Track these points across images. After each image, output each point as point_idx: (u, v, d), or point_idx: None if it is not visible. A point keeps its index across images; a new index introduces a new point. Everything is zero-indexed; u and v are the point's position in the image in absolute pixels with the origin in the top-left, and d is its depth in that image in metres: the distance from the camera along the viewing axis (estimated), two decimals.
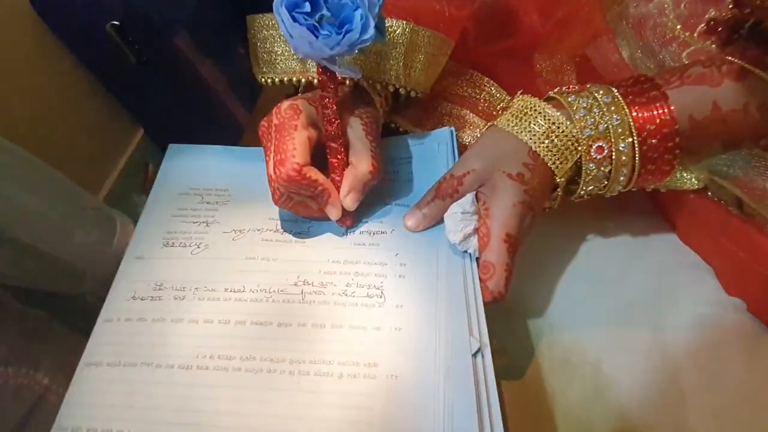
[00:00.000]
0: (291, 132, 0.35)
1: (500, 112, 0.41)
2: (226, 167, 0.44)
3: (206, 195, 0.43)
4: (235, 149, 0.46)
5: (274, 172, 0.35)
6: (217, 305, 0.35)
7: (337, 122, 0.36)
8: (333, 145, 0.37)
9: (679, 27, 0.42)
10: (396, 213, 0.40)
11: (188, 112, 0.60)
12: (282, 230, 0.40)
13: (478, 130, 0.48)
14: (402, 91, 0.42)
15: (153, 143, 0.63)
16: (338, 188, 0.38)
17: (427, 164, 0.43)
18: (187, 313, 0.35)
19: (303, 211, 0.38)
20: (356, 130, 0.37)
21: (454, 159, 0.42)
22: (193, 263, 0.38)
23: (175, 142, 0.46)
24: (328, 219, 0.39)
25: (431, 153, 0.43)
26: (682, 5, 0.41)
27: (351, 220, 0.39)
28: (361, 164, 0.37)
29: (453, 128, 0.44)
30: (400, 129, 0.49)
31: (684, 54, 0.41)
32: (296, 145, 0.34)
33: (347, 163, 0.38)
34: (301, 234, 0.40)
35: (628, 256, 0.45)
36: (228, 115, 0.60)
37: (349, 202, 0.37)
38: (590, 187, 0.38)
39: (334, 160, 0.38)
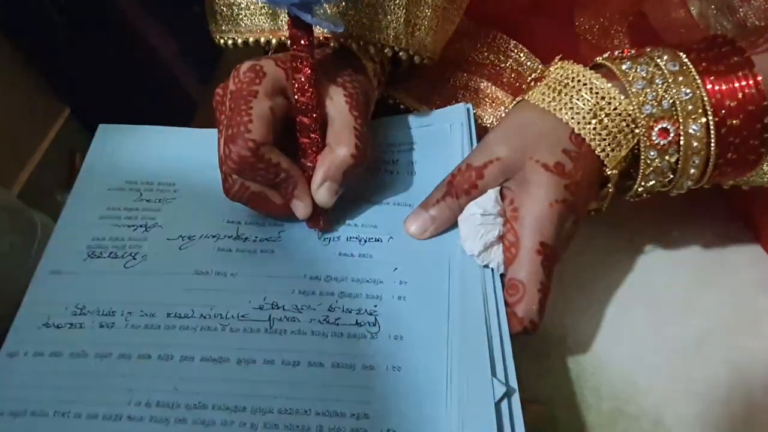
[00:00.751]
0: (248, 100, 0.35)
1: (531, 85, 0.40)
2: (172, 154, 0.44)
3: (146, 190, 0.42)
4: (184, 131, 0.46)
5: (224, 151, 0.35)
6: (157, 335, 0.35)
7: (311, 91, 0.36)
8: (305, 120, 0.37)
9: None
10: (395, 215, 0.40)
11: (127, 86, 0.59)
12: (244, 237, 0.39)
13: (502, 107, 0.47)
14: (403, 55, 0.41)
15: (82, 125, 0.63)
16: (310, 179, 0.37)
17: (436, 151, 0.43)
18: (117, 345, 0.34)
19: (262, 206, 0.38)
20: (337, 102, 0.37)
21: (472, 145, 0.42)
22: (125, 280, 0.37)
23: (109, 122, 0.46)
24: (295, 218, 0.38)
25: (441, 137, 0.43)
26: None
27: (326, 220, 0.39)
28: (340, 146, 0.36)
29: (470, 105, 0.44)
30: (401, 106, 0.49)
31: None
32: (253, 117, 0.34)
33: (323, 145, 0.37)
34: (269, 241, 0.39)
35: (698, 274, 0.45)
36: (178, 87, 0.60)
37: (323, 194, 0.37)
38: (651, 183, 0.38)
39: (306, 140, 0.37)
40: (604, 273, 0.45)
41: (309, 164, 0.37)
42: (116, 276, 0.37)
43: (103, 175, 0.43)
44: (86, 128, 0.63)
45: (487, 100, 0.48)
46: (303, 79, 0.35)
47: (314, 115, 0.36)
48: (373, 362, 0.33)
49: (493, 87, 0.48)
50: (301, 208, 0.38)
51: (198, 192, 0.42)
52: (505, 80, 0.48)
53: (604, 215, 0.41)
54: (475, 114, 0.45)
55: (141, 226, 0.40)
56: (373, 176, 0.42)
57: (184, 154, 0.44)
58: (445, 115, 0.44)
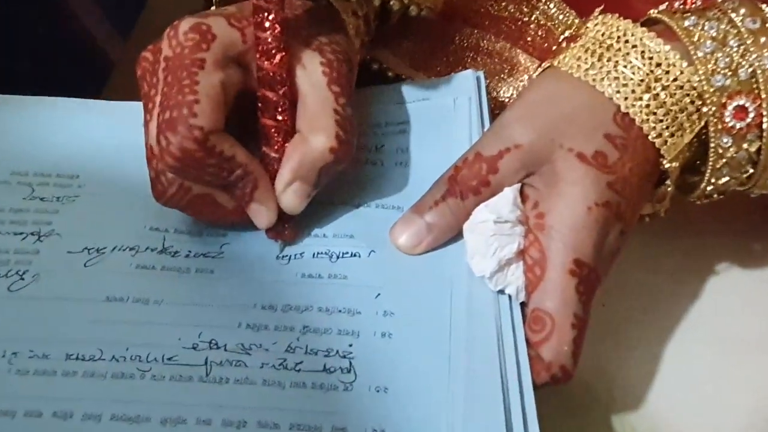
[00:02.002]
0: (193, 73, 0.34)
1: (563, 46, 0.40)
2: (76, 136, 0.44)
3: (39, 185, 0.42)
4: (94, 105, 0.46)
5: (159, 142, 0.34)
6: (52, 385, 0.34)
7: (280, 56, 0.36)
8: (270, 95, 0.37)
9: None
10: (378, 222, 0.40)
11: (20, 39, 0.59)
12: (173, 250, 0.39)
13: (525, 76, 0.47)
14: (395, 5, 0.42)
15: None
16: (274, 174, 0.37)
17: (434, 135, 0.43)
18: None
19: (207, 213, 0.38)
20: (312, 73, 0.37)
21: (483, 127, 0.42)
22: (10, 307, 0.37)
23: None
24: (253, 227, 0.38)
25: (442, 115, 0.44)
26: None
27: (291, 229, 0.39)
28: (315, 134, 0.36)
29: (481, 73, 0.44)
30: (390, 73, 0.49)
31: None
32: (200, 95, 0.34)
33: (292, 131, 0.37)
34: (208, 257, 0.39)
35: None
36: (88, 41, 0.59)
37: (291, 198, 0.37)
38: (724, 179, 0.38)
39: (270, 122, 0.37)
40: (661, 302, 0.46)
41: (273, 155, 0.37)
42: None
43: None
44: None
45: (504, 66, 0.48)
46: (270, 40, 0.35)
47: (282, 89, 0.36)
48: (347, 423, 0.32)
49: (513, 49, 0.48)
50: (263, 214, 0.38)
51: (111, 188, 0.42)
52: (529, 40, 0.48)
53: (662, 223, 0.41)
54: (488, 85, 0.45)
55: (32, 233, 0.40)
56: (349, 169, 0.42)
57: (92, 137, 0.44)
58: (448, 85, 0.44)
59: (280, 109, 0.37)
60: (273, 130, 0.37)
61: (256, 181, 0.37)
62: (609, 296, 0.39)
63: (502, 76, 0.48)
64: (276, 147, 0.37)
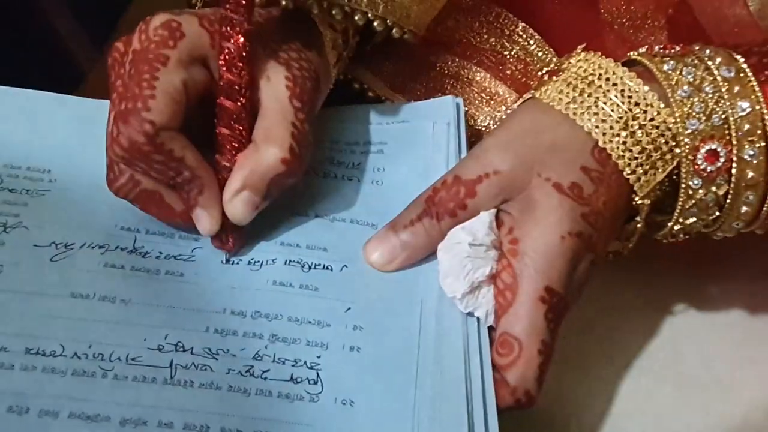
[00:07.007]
0: (154, 68, 0.35)
1: (545, 79, 0.41)
2: (50, 130, 0.44)
3: (9, 177, 0.42)
4: (70, 100, 0.46)
5: (112, 131, 0.35)
6: (9, 379, 0.33)
7: (241, 66, 0.36)
8: (227, 104, 0.37)
9: None
10: (352, 237, 0.40)
11: None
12: (143, 251, 0.39)
13: (503, 106, 0.48)
14: (379, 25, 0.41)
15: None
16: (224, 183, 0.38)
17: (412, 156, 0.43)
18: None
19: (154, 210, 0.39)
20: (275, 86, 0.37)
21: (460, 152, 0.43)
22: None
23: None
24: (198, 233, 0.39)
25: (420, 138, 0.44)
26: None
27: (236, 240, 0.39)
28: (269, 145, 0.37)
29: (460, 99, 0.44)
30: (370, 94, 0.49)
31: None
32: (157, 91, 0.34)
33: (247, 142, 0.38)
34: (178, 260, 0.39)
35: (742, 345, 0.46)
36: (61, 51, 0.59)
37: (238, 207, 0.37)
38: (691, 220, 0.39)
39: (225, 131, 0.37)
40: (620, 337, 0.46)
41: (225, 164, 0.37)
42: None
43: None
44: None
45: (483, 95, 0.48)
46: (233, 50, 0.36)
47: (242, 99, 0.36)
48: None
49: (493, 80, 0.48)
50: (205, 220, 0.38)
51: (83, 184, 0.41)
52: (508, 72, 0.48)
53: (626, 262, 0.41)
54: (466, 113, 0.45)
55: None
56: (324, 183, 0.42)
57: (67, 132, 0.44)
58: (428, 109, 0.45)
59: (236, 119, 0.37)
60: (228, 138, 0.37)
61: (203, 186, 0.37)
62: (571, 326, 0.39)
63: (480, 104, 0.48)
64: (228, 156, 0.37)
